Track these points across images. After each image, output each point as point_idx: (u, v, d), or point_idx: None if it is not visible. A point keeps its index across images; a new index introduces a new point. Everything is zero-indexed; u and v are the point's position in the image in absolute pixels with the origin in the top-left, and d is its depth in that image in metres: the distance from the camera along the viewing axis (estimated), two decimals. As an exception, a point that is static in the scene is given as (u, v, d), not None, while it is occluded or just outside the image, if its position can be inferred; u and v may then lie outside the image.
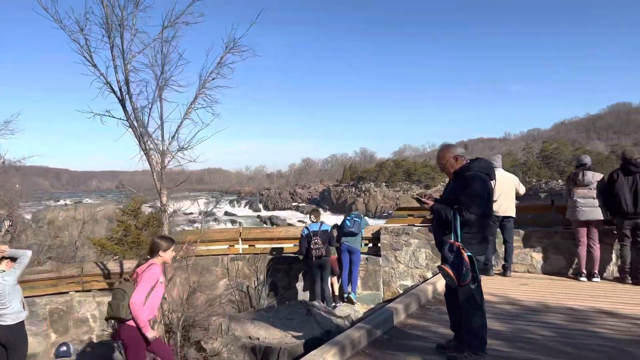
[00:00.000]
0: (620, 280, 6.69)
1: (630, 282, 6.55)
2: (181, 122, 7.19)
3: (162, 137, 7.19)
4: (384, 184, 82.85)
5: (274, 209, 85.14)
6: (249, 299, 8.65)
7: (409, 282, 8.23)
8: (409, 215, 8.64)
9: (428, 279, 7.06)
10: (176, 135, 7.07)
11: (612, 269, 7.00)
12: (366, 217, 9.50)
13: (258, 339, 5.70)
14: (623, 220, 6.57)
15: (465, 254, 3.76)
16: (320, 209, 9.12)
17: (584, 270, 6.87)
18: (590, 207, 6.75)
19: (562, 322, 4.98)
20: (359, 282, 8.52)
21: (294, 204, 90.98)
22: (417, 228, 8.24)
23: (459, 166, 4.05)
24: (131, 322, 4.21)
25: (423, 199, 4.08)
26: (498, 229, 7.34)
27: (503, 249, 7.43)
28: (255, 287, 8.61)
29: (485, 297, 6.25)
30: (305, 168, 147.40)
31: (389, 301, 6.44)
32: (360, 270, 8.54)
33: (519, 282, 6.85)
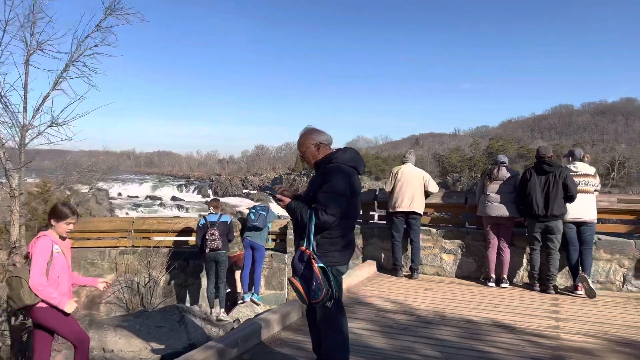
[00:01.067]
0: (529, 286, 6.26)
1: (538, 289, 6.12)
2: (48, 93, 6.19)
3: (25, 108, 6.18)
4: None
5: (223, 196, 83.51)
6: (139, 297, 7.74)
7: (314, 282, 7.57)
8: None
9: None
10: (41, 108, 6.06)
11: (523, 274, 6.57)
12: (275, 210, 8.76)
13: (112, 351, 4.85)
14: (534, 223, 6.12)
15: (316, 265, 3.06)
16: (219, 199, 8.17)
17: (493, 275, 6.41)
18: (501, 203, 6.29)
19: (453, 339, 4.41)
20: (262, 281, 7.78)
21: (244, 191, 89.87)
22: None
23: (322, 156, 3.34)
24: (41, 304, 3.80)
25: (278, 195, 3.33)
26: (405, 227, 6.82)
27: (410, 249, 6.89)
28: (146, 285, 7.69)
29: (383, 304, 5.73)
30: (258, 155, 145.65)
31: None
32: (265, 268, 7.80)
33: (425, 287, 6.30)
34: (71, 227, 3.98)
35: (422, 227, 7.01)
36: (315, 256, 3.08)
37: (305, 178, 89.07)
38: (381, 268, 7.24)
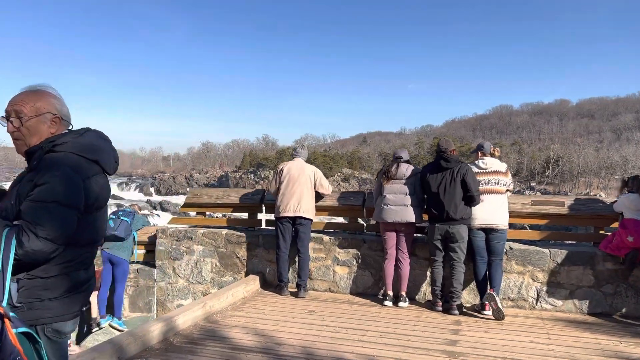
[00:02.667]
0: (431, 305, 5.26)
1: (440, 308, 5.13)
2: None
3: None
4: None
5: (166, 194, 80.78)
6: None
7: (188, 301, 6.28)
8: (199, 213, 6.65)
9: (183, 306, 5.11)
10: None
11: (426, 289, 5.58)
12: (142, 214, 7.41)
13: None
14: (432, 228, 5.14)
15: (12, 332, 1.77)
16: None
17: (390, 292, 5.37)
18: (400, 206, 5.26)
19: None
20: (125, 302, 6.42)
21: (189, 189, 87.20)
22: (202, 231, 6.29)
23: (43, 138, 2.08)
24: None
25: None
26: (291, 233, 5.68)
27: (297, 261, 5.76)
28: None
29: (244, 337, 4.15)
30: (204, 152, 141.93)
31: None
32: (129, 286, 6.43)
33: (307, 309, 5.17)
34: None
35: (312, 235, 5.89)
36: (10, 314, 1.79)
37: (252, 175, 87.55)
38: (266, 284, 6.06)
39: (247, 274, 6.09)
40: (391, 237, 5.38)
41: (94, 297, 6.31)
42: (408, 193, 5.28)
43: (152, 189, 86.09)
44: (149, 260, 6.57)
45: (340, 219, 8.00)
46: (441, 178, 5.03)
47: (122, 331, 6.21)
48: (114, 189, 74.34)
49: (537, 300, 5.24)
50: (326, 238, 5.90)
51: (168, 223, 6.79)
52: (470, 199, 4.95)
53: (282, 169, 5.73)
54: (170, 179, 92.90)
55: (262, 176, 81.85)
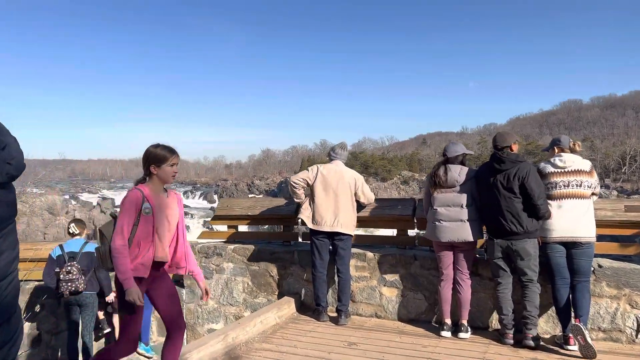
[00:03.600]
0: (500, 336, 4.29)
1: (510, 340, 4.16)
2: None
3: None
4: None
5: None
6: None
7: (220, 326, 5.66)
8: (231, 226, 6.01)
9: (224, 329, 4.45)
10: None
11: (494, 316, 4.61)
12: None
13: None
14: (491, 243, 4.19)
15: None
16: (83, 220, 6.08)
17: (448, 320, 4.45)
18: (455, 222, 4.33)
19: None
20: (153, 326, 5.89)
21: (250, 195, 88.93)
22: (232, 247, 5.65)
23: None
24: None
25: None
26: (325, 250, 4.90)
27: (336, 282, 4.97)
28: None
29: None
30: (264, 159, 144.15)
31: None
32: (157, 307, 5.90)
33: (348, 340, 4.36)
34: (175, 169, 3.27)
35: (354, 250, 5.08)
36: None
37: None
38: (304, 307, 5.31)
39: (281, 296, 5.38)
40: (447, 256, 4.46)
41: (116, 321, 5.82)
42: (464, 205, 4.33)
43: (215, 197, 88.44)
44: (179, 278, 6.01)
45: (386, 231, 7.13)
46: (495, 182, 4.09)
47: (150, 358, 5.70)
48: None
49: (638, 332, 4.14)
50: (370, 254, 5.07)
51: (198, 238, 6.20)
52: (535, 210, 3.97)
53: (316, 173, 4.92)
54: (233, 186, 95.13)
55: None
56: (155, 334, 5.92)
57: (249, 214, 5.76)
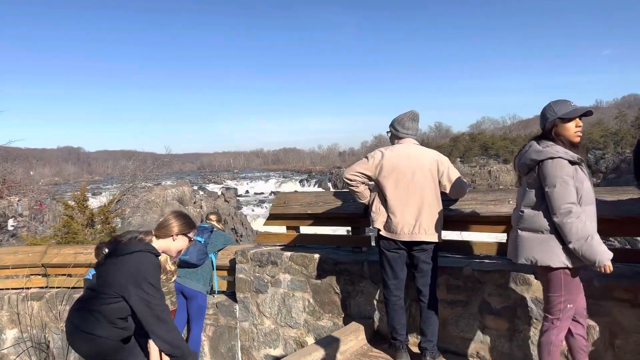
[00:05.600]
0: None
1: None
2: None
3: None
4: (458, 159, 77.24)
5: (343, 188, 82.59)
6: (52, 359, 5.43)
7: (278, 352, 4.54)
8: (290, 228, 4.81)
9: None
10: None
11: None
12: (226, 232, 5.83)
13: None
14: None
15: None
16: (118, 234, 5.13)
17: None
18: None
19: None
20: (205, 346, 4.95)
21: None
22: (289, 254, 4.47)
23: None
24: None
25: None
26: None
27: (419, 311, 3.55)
28: (57, 343, 5.33)
29: None
30: (377, 145, 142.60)
31: None
32: (208, 325, 4.96)
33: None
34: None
35: (442, 263, 3.62)
36: None
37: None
38: (378, 336, 3.98)
39: (348, 320, 4.09)
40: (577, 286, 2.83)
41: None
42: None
43: (329, 184, 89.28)
44: (233, 290, 5.00)
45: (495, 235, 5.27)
46: None
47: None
48: (296, 186, 78.62)
49: None
50: (469, 270, 3.56)
51: (254, 240, 5.14)
52: None
53: (380, 161, 3.47)
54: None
55: (436, 166, 78.44)
56: (208, 356, 4.98)
57: (309, 212, 4.52)
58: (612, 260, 3.20)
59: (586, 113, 2.66)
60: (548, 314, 2.69)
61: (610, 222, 3.12)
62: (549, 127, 2.70)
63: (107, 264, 2.60)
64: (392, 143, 3.61)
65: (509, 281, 3.37)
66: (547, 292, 2.69)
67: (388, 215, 3.43)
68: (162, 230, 2.75)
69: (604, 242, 2.61)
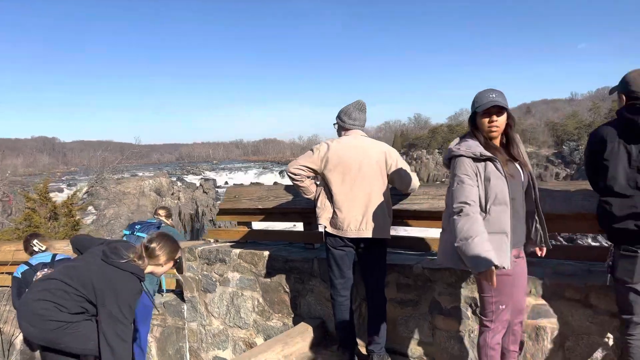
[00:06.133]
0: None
1: None
2: None
3: None
4: (436, 150, 77.97)
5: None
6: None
7: (228, 353, 4.33)
8: (241, 223, 4.59)
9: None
10: None
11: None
12: (175, 228, 5.58)
13: None
14: (634, 259, 2.37)
15: None
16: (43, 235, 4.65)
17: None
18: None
19: None
20: (152, 347, 4.72)
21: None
22: (238, 251, 4.25)
23: None
24: None
25: None
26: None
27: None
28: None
29: None
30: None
31: None
32: (155, 326, 4.72)
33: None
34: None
35: (390, 261, 3.44)
36: None
37: (404, 157, 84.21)
38: (328, 338, 3.80)
39: (298, 320, 3.90)
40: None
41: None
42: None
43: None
44: (179, 291, 4.76)
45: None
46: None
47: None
48: (276, 177, 78.18)
49: None
50: (419, 268, 3.38)
51: (204, 237, 4.90)
52: None
53: (326, 153, 3.25)
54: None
55: (415, 156, 78.93)
56: (156, 358, 4.75)
57: (260, 207, 4.30)
58: (563, 258, 3.07)
59: (502, 108, 2.43)
60: (482, 316, 2.54)
61: (562, 217, 2.98)
62: (469, 120, 2.52)
63: (89, 263, 2.69)
64: (339, 135, 3.40)
65: (460, 280, 3.21)
66: (480, 292, 2.55)
67: (334, 211, 3.24)
68: (151, 260, 2.86)
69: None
